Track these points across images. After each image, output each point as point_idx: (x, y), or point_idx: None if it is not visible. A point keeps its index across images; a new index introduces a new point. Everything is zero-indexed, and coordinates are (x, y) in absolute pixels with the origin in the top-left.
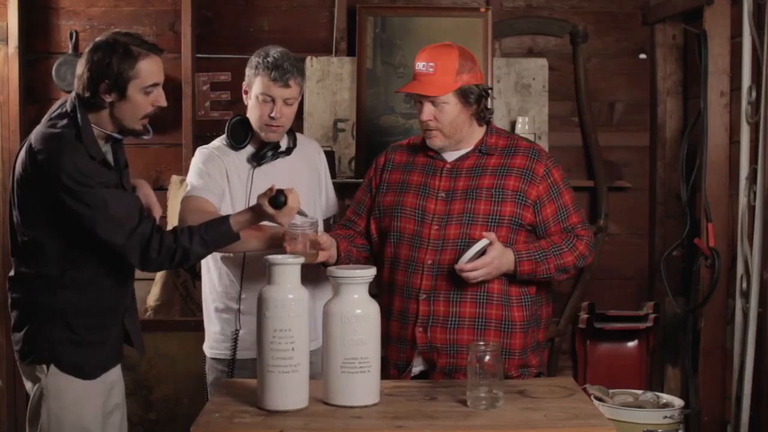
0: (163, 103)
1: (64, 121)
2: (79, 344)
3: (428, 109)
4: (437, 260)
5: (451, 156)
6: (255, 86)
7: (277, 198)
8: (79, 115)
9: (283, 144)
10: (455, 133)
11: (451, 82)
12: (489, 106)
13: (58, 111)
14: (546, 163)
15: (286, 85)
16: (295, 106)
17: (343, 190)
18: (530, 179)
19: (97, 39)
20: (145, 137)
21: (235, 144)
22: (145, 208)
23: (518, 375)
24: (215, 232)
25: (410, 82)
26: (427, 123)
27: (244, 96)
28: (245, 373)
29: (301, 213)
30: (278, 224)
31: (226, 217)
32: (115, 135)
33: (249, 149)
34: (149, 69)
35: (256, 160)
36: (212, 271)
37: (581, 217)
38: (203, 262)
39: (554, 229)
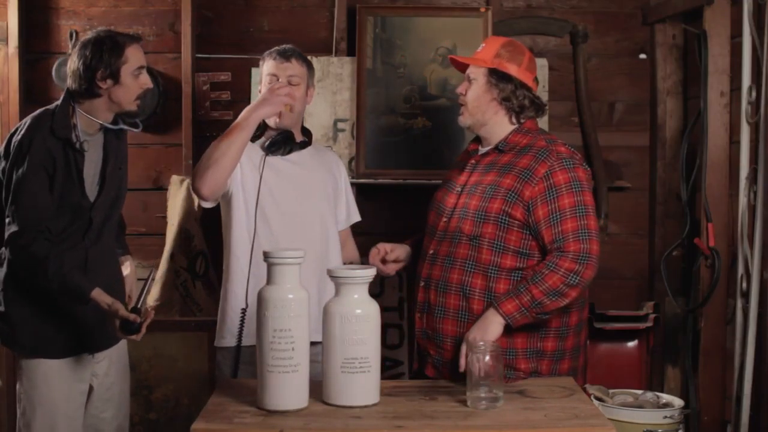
0: (150, 84)
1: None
2: (30, 323)
3: (464, 83)
4: (437, 250)
5: (481, 152)
6: (263, 72)
7: (129, 325)
8: (61, 100)
9: (297, 138)
10: (477, 112)
11: (487, 60)
12: (526, 109)
13: None
14: (551, 164)
15: (288, 60)
16: (301, 89)
17: None
18: (527, 179)
19: (83, 38)
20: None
21: None
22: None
23: None
24: (72, 286)
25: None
26: (460, 97)
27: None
28: (250, 368)
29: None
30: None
31: (91, 287)
32: (108, 125)
33: (264, 142)
34: (135, 54)
35: (269, 146)
36: (234, 256)
37: (579, 226)
38: (232, 257)
39: (545, 234)
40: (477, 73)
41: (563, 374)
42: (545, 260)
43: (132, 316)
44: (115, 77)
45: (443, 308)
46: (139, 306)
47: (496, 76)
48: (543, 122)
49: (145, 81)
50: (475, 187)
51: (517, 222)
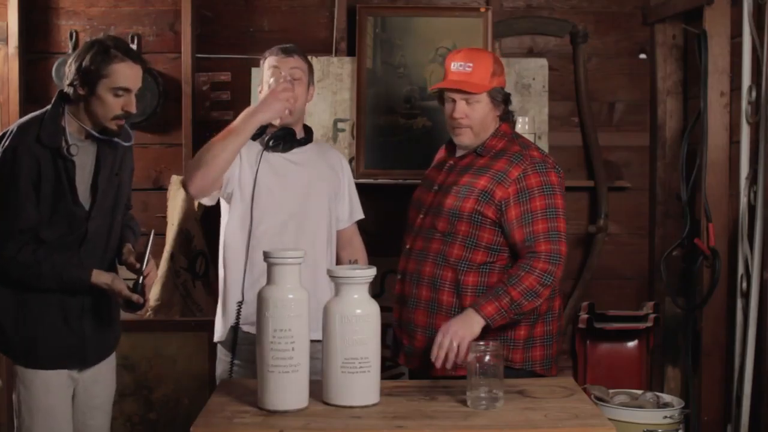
0: (133, 110)
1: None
2: (23, 334)
3: (461, 107)
4: (413, 245)
5: (459, 153)
6: (265, 67)
7: (132, 303)
8: (52, 102)
9: (299, 135)
10: (482, 131)
11: (486, 83)
12: (506, 111)
13: None
14: (524, 167)
15: (290, 55)
16: (303, 84)
17: None
18: (501, 181)
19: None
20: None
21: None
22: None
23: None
24: (70, 281)
25: (447, 80)
26: (459, 121)
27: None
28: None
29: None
30: None
31: (89, 274)
32: (94, 133)
33: (264, 138)
34: (122, 73)
35: (269, 142)
36: (227, 248)
37: (549, 227)
38: (226, 244)
39: (517, 233)
40: (480, 96)
41: (517, 363)
42: (518, 263)
43: (135, 297)
44: (91, 87)
45: (416, 299)
46: (140, 281)
47: (496, 93)
48: (544, 122)
49: (127, 104)
50: (450, 187)
51: (489, 220)
